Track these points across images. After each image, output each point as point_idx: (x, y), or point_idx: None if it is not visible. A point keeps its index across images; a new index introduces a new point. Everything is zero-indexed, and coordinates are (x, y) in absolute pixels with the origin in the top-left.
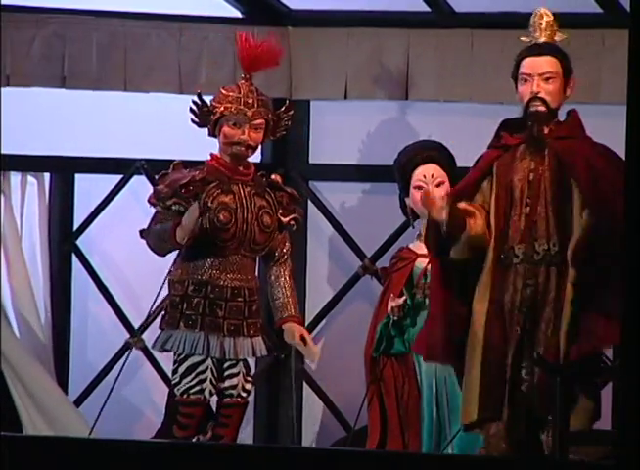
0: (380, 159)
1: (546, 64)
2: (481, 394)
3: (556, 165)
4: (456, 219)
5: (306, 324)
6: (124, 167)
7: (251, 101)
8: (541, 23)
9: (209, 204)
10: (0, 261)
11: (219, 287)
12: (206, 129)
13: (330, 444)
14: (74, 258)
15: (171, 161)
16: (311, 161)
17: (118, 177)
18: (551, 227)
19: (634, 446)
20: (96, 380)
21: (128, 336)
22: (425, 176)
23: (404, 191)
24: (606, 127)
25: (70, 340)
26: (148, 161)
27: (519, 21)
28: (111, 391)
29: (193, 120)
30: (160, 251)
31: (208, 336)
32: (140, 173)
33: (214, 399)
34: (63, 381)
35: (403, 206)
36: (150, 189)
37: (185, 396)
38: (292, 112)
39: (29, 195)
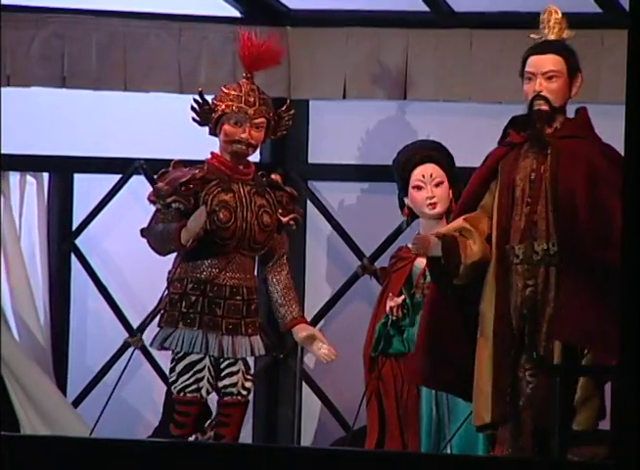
0: (379, 158)
1: (549, 62)
2: (493, 395)
3: (557, 165)
4: (450, 254)
5: None
6: (124, 167)
7: (252, 100)
8: (549, 21)
9: (209, 202)
10: None
11: (218, 286)
12: (207, 128)
13: (329, 443)
14: (73, 258)
15: (171, 160)
16: (310, 160)
17: (118, 177)
18: (551, 227)
19: (634, 446)
20: (95, 379)
21: (127, 335)
22: (424, 176)
23: (403, 191)
24: (605, 127)
25: (69, 339)
26: (147, 160)
27: (518, 20)
28: (112, 391)
29: (194, 119)
30: (162, 251)
31: (207, 334)
32: (139, 173)
33: (213, 398)
34: (61, 381)
35: (402, 205)
36: (149, 189)
37: (182, 394)
38: (292, 111)
39: (28, 195)
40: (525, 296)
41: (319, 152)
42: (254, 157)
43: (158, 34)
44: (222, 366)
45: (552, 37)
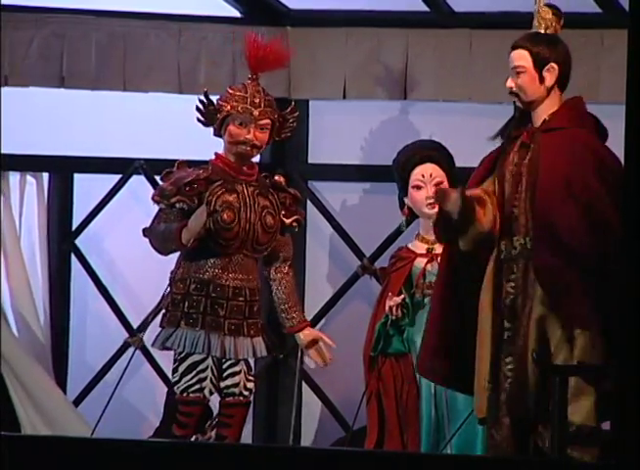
0: (379, 158)
1: (515, 58)
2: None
3: (537, 159)
4: (467, 210)
5: None
6: (123, 167)
7: (257, 101)
8: (536, 15)
9: (213, 203)
10: None
11: (221, 286)
12: (210, 129)
13: (328, 443)
14: (73, 258)
15: (170, 160)
16: (310, 160)
17: (117, 177)
18: (529, 222)
19: (634, 447)
20: (95, 379)
21: (127, 335)
22: (423, 176)
23: (403, 191)
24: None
25: (69, 339)
26: (147, 160)
27: (518, 20)
28: (113, 392)
29: (199, 119)
30: (163, 250)
31: (209, 335)
32: (139, 173)
33: (215, 398)
34: (61, 380)
35: (402, 205)
36: (149, 189)
37: (185, 394)
38: (297, 113)
39: (28, 195)
40: (506, 291)
41: (319, 152)
42: (254, 157)
43: (157, 34)
44: (224, 366)
45: (541, 31)
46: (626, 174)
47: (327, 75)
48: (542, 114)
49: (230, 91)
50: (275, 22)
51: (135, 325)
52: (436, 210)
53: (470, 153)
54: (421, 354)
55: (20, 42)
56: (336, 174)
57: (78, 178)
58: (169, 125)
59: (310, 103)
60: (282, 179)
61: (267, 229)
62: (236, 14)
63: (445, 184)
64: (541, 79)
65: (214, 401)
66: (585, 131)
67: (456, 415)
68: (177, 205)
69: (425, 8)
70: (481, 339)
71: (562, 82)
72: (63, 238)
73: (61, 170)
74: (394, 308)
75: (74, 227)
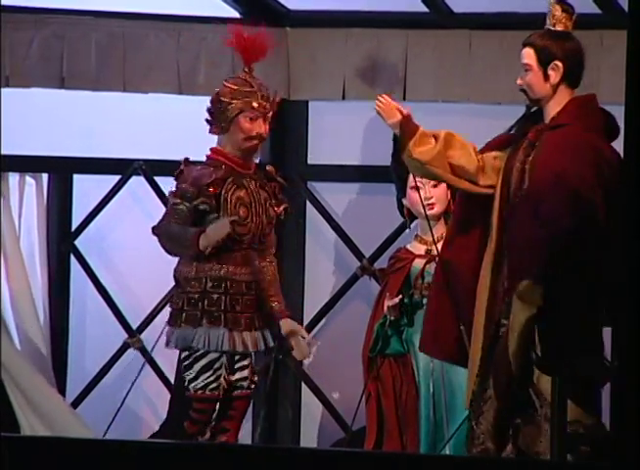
0: (378, 159)
1: (523, 55)
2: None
3: (537, 156)
4: (404, 131)
5: (305, 324)
6: (123, 168)
7: (265, 94)
8: (551, 13)
9: (229, 200)
10: None
11: (237, 282)
12: (208, 127)
13: (328, 444)
14: (73, 259)
15: (170, 161)
16: (310, 161)
17: (117, 178)
18: None
19: (634, 446)
20: (94, 380)
21: (126, 336)
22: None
23: (401, 191)
24: None
25: (69, 340)
26: (146, 161)
27: (517, 21)
28: (123, 402)
29: (209, 121)
30: (175, 253)
31: (232, 332)
32: (138, 174)
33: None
34: (61, 381)
35: (400, 206)
36: (149, 190)
37: (201, 392)
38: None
39: (28, 195)
40: (503, 286)
41: (319, 152)
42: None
43: (156, 35)
44: (234, 360)
45: (551, 27)
46: (626, 174)
47: (326, 76)
48: (551, 111)
49: (235, 87)
50: (274, 22)
51: (134, 326)
52: (435, 210)
53: None
54: (423, 332)
55: (20, 43)
56: (335, 175)
57: (78, 179)
58: (169, 126)
59: (310, 103)
60: (272, 169)
61: (270, 221)
62: (235, 14)
63: (443, 184)
64: (546, 77)
65: None
66: (588, 129)
67: (455, 416)
68: (201, 206)
69: (424, 9)
70: (476, 333)
71: (570, 80)
72: (62, 239)
73: (60, 171)
74: (393, 309)
75: (74, 228)
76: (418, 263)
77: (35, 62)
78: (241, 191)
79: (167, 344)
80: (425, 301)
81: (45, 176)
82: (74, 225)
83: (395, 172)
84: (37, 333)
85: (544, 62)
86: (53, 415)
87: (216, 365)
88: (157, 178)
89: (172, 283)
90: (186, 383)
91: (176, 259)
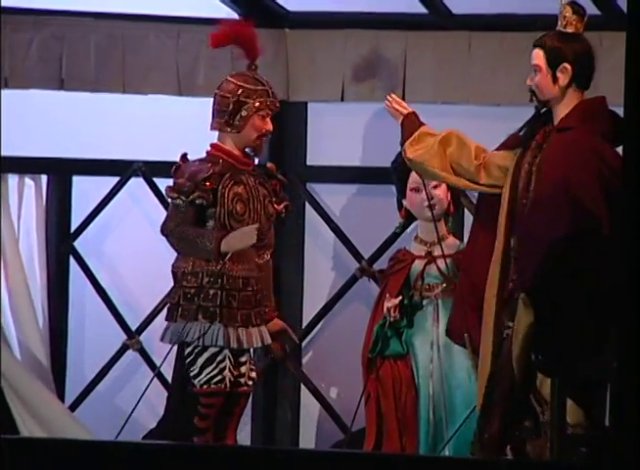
0: (377, 160)
1: (533, 56)
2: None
3: (544, 158)
4: (406, 127)
5: (304, 326)
6: (122, 169)
7: (273, 91)
8: (562, 15)
9: (226, 196)
10: None
11: (233, 278)
12: (209, 125)
13: (327, 445)
14: (72, 260)
15: (169, 163)
16: (309, 162)
17: (116, 179)
18: None
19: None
20: (93, 382)
21: (126, 337)
22: (421, 177)
23: (401, 193)
24: None
25: (68, 341)
26: (146, 163)
27: (516, 22)
28: (134, 408)
29: (217, 116)
30: (190, 255)
31: (227, 327)
32: (138, 175)
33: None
34: (60, 382)
35: (401, 207)
36: (148, 191)
37: (206, 386)
38: None
39: (27, 197)
40: (508, 289)
41: (318, 154)
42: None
43: (156, 36)
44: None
45: (569, 30)
46: (626, 175)
47: (325, 77)
48: (559, 113)
49: (248, 86)
50: (273, 24)
51: (133, 327)
52: (435, 211)
53: None
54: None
55: (19, 44)
56: (334, 176)
57: (77, 180)
58: (168, 127)
59: (309, 105)
60: (273, 166)
61: (268, 217)
62: (234, 16)
63: (443, 186)
64: (555, 79)
65: None
66: (595, 133)
67: (454, 417)
68: (197, 201)
69: (423, 10)
70: (485, 337)
71: (580, 82)
72: (61, 240)
73: (59, 173)
74: (393, 310)
75: (73, 229)
76: (418, 265)
77: (34, 63)
78: (239, 187)
79: (162, 338)
80: (424, 302)
81: (44, 178)
82: (74, 227)
83: (395, 173)
84: (36, 334)
85: (553, 64)
86: (52, 421)
87: (219, 358)
88: (156, 180)
89: (171, 284)
90: (192, 379)
91: (174, 259)
